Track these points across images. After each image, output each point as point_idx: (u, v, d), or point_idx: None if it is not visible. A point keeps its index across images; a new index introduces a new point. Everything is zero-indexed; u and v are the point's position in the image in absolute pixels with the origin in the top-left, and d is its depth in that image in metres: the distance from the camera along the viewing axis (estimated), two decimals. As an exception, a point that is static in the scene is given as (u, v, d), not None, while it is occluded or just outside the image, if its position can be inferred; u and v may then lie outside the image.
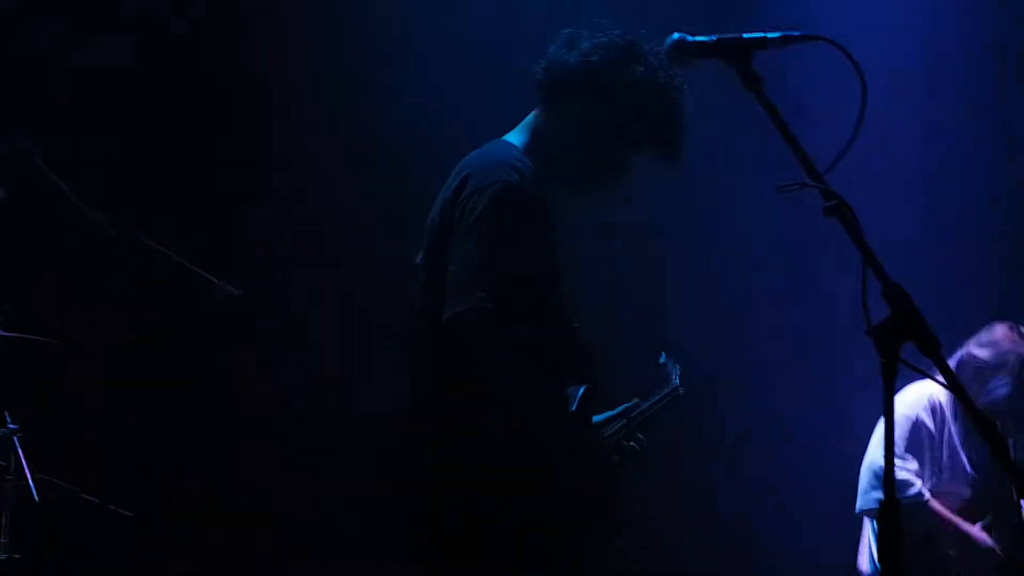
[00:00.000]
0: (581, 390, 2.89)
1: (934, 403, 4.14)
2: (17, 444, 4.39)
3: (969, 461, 4.15)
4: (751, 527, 5.45)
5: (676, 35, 2.46)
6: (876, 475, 4.03)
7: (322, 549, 5.10)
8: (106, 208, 4.53)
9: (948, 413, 4.16)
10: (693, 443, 5.39)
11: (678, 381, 3.51)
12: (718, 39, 2.40)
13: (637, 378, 3.51)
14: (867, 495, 4.06)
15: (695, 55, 2.44)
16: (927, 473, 4.07)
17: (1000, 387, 4.10)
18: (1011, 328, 4.21)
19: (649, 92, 2.92)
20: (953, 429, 4.15)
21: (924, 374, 2.27)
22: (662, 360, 3.58)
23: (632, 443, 3.07)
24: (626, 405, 3.17)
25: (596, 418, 3.07)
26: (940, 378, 2.20)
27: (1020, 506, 4.01)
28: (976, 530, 4.09)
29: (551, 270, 2.88)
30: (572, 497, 2.76)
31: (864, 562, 4.21)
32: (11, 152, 4.64)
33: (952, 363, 4.14)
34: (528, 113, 3.06)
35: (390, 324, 3.22)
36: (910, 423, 4.08)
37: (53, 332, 4.66)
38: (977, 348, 4.16)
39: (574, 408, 2.86)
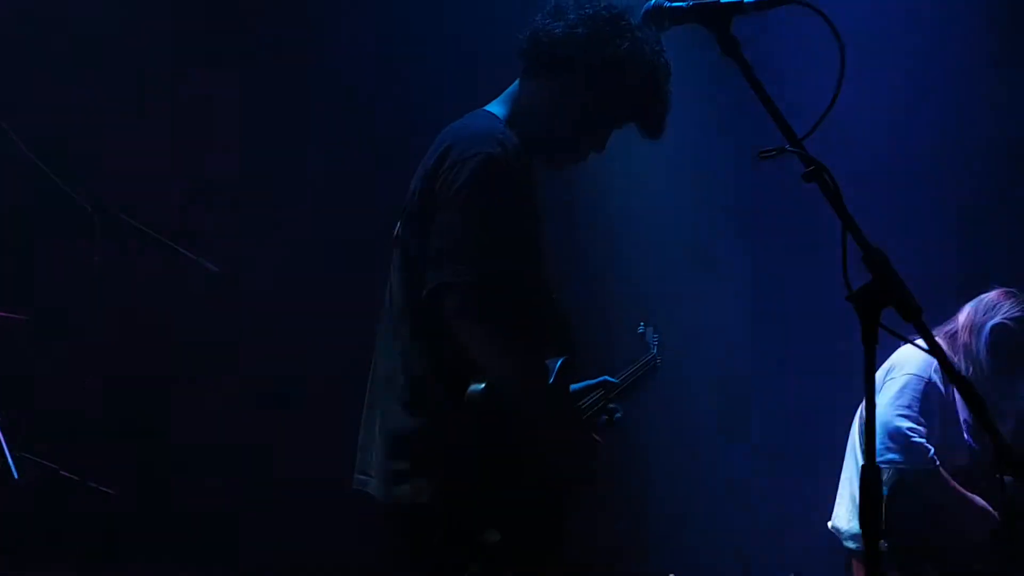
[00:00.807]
0: (559, 362, 2.88)
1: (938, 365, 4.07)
2: (-6, 422, 4.38)
3: (967, 430, 4.11)
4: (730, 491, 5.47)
5: (652, 1, 2.44)
6: (891, 435, 3.96)
7: (308, 513, 5.11)
8: (86, 188, 4.52)
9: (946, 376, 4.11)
10: (690, 408, 5.40)
11: (655, 350, 3.52)
12: (695, 3, 2.37)
13: (617, 351, 3.53)
14: (881, 456, 3.94)
15: (672, 20, 2.42)
16: (936, 436, 4.02)
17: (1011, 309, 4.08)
18: (1004, 291, 4.18)
19: (634, 67, 2.88)
20: (957, 394, 4.10)
21: (906, 340, 2.26)
22: (640, 330, 3.59)
23: (608, 412, 3.11)
24: (603, 378, 3.18)
25: (573, 387, 3.07)
26: (921, 342, 2.19)
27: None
28: (979, 500, 4.07)
29: (532, 242, 2.85)
30: (552, 464, 2.77)
31: (842, 520, 4.20)
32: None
33: (948, 332, 4.13)
34: (510, 82, 3.02)
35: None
36: (923, 384, 4.00)
37: (28, 309, 4.65)
38: (1009, 320, 4.11)
39: (552, 380, 2.85)
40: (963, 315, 4.15)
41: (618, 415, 3.13)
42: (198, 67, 5.24)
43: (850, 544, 4.17)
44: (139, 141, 5.12)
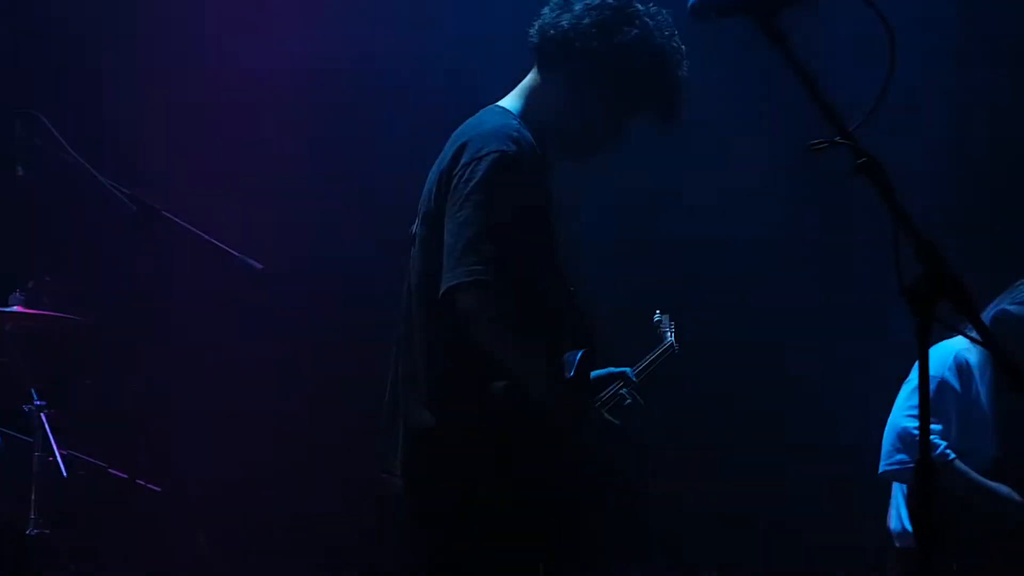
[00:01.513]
0: (579, 355, 2.88)
1: (960, 361, 4.09)
2: (44, 420, 4.42)
3: (997, 419, 4.11)
4: (783, 491, 5.43)
5: (699, -8, 2.41)
6: (899, 436, 3.99)
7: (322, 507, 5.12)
8: (127, 184, 4.54)
9: (976, 371, 4.12)
10: (721, 407, 5.38)
11: (672, 338, 3.51)
12: (742, -5, 2.35)
13: (637, 343, 3.51)
14: (890, 457, 4.02)
15: (718, 12, 2.39)
16: (953, 432, 4.03)
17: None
18: None
19: (644, 54, 2.85)
20: (981, 387, 4.11)
21: (959, 332, 2.23)
22: (656, 319, 3.56)
23: (628, 400, 3.10)
24: (622, 368, 3.17)
25: (592, 375, 3.06)
26: (975, 335, 2.16)
27: None
28: (1005, 488, 4.05)
29: (548, 237, 2.84)
30: (572, 459, 2.75)
31: (893, 521, 4.19)
32: (31, 130, 4.65)
33: (986, 320, 4.10)
34: (524, 76, 3.00)
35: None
36: (935, 383, 4.03)
37: (76, 309, 4.68)
38: (1011, 305, 4.11)
39: (572, 373, 2.85)
40: (1009, 307, 4.14)
41: (627, 402, 3.10)
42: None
43: (897, 544, 4.15)
44: (176, 138, 5.16)
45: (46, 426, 4.42)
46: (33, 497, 4.39)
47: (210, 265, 4.61)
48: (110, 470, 4.58)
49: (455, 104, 3.08)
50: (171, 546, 4.77)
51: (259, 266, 4.47)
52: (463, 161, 2.73)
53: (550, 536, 2.75)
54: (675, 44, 2.89)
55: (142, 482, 4.60)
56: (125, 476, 4.58)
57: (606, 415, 2.93)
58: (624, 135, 2.97)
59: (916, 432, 3.93)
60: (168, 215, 4.54)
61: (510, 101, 2.94)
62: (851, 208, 4.83)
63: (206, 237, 4.41)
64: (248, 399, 5.21)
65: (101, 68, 5.17)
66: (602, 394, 3.08)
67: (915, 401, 3.99)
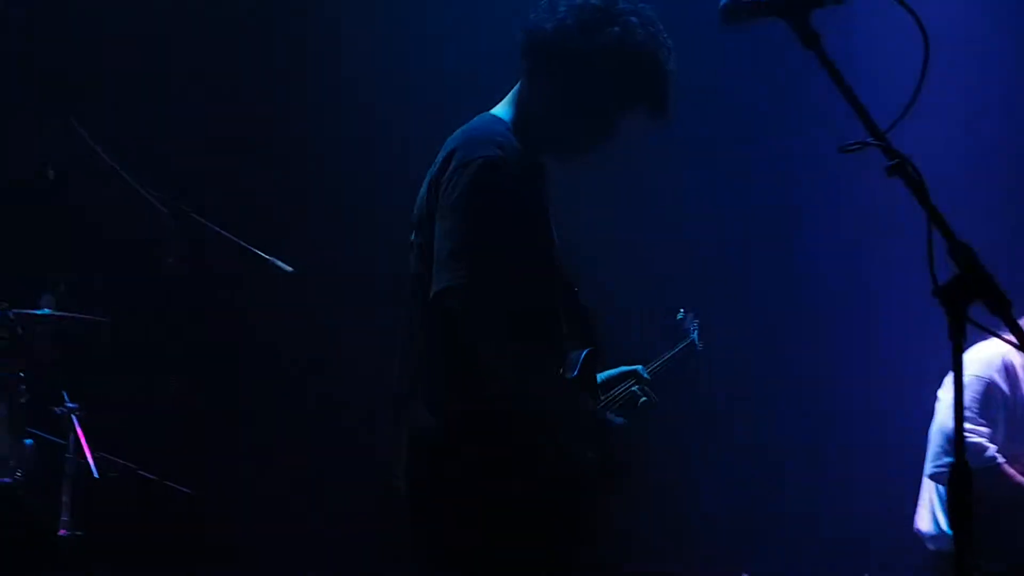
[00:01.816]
0: (583, 354, 2.90)
1: (1007, 363, 4.05)
2: (76, 422, 4.45)
3: None
4: (813, 491, 5.41)
5: (730, -6, 2.41)
6: (948, 439, 3.95)
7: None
8: (157, 187, 4.57)
9: (1021, 373, 4.06)
10: (754, 407, 5.36)
11: (696, 336, 3.51)
12: (775, -4, 2.35)
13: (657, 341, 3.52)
14: (938, 459, 3.98)
15: (750, 14, 2.39)
16: (1000, 436, 3.98)
17: None
18: None
19: (627, 52, 2.84)
20: None
21: (993, 334, 2.22)
22: (679, 316, 3.56)
23: (643, 398, 3.09)
24: (633, 367, 3.16)
25: (602, 376, 3.08)
26: (1010, 337, 2.15)
27: None
28: None
29: (542, 239, 2.86)
30: (572, 461, 2.76)
31: (924, 523, 4.16)
32: (62, 133, 4.69)
33: None
34: (516, 82, 3.01)
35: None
36: (983, 385, 3.98)
37: (106, 311, 4.71)
38: None
39: (576, 372, 2.87)
40: None
41: (643, 400, 3.10)
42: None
43: (930, 546, 4.12)
44: (207, 141, 5.19)
45: (77, 428, 4.45)
46: (64, 498, 4.42)
47: (240, 267, 4.64)
48: (140, 472, 4.60)
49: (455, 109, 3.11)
50: (200, 547, 4.79)
51: (288, 268, 4.49)
52: (451, 168, 2.78)
53: (552, 537, 2.75)
54: (661, 40, 2.89)
55: (172, 484, 4.61)
56: (155, 478, 4.60)
57: (609, 415, 2.91)
58: (615, 134, 2.96)
59: (967, 434, 3.90)
60: (198, 217, 4.57)
61: (502, 108, 2.97)
62: (884, 205, 4.79)
63: (236, 240, 4.43)
64: (278, 400, 5.22)
65: (132, 70, 5.20)
66: (612, 392, 3.08)
67: (966, 402, 3.94)
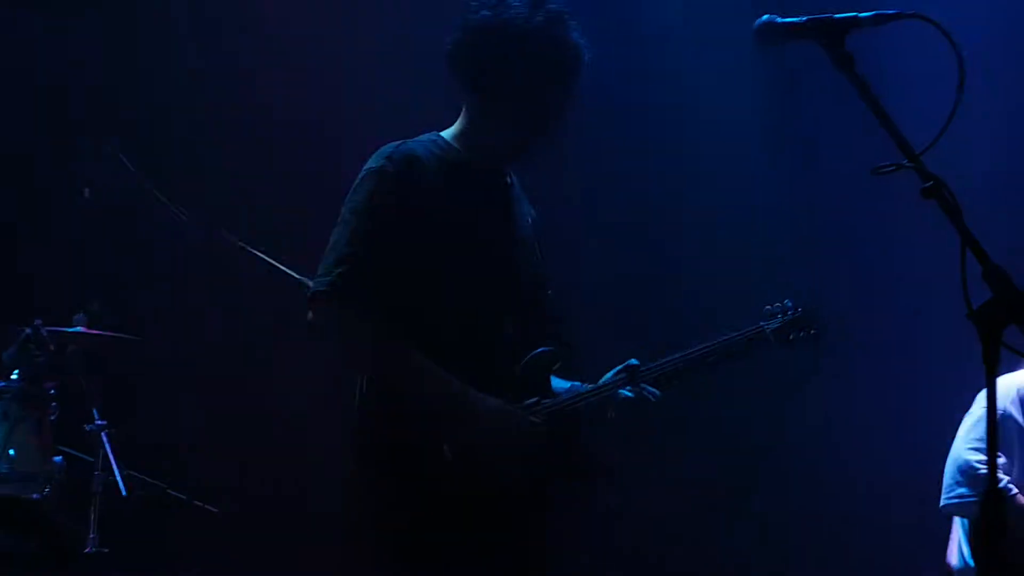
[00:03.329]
0: (535, 352, 2.89)
1: (1023, 395, 4.02)
2: (105, 440, 4.47)
3: None
4: (835, 524, 5.36)
5: (766, 16, 2.41)
6: (960, 470, 3.91)
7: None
8: (191, 207, 4.61)
9: None
10: (764, 438, 5.31)
11: (773, 326, 3.08)
12: (809, 19, 2.34)
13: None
14: (951, 491, 3.94)
15: (785, 37, 2.39)
16: (1016, 467, 3.95)
17: None
18: None
19: (518, 41, 2.86)
20: None
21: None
22: (775, 305, 3.10)
23: (628, 394, 2.92)
24: (628, 363, 2.98)
25: (605, 378, 2.96)
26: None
27: None
28: None
29: (445, 242, 2.83)
30: (467, 462, 2.73)
31: (954, 557, 4.11)
32: (98, 153, 4.74)
33: None
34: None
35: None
36: (999, 415, 3.95)
37: (139, 330, 4.74)
38: None
39: (520, 369, 2.86)
40: None
41: (611, 415, 2.93)
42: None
43: None
44: (238, 153, 5.22)
45: (107, 446, 4.47)
46: (93, 516, 4.43)
47: (271, 285, 4.66)
48: (169, 490, 4.61)
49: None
50: (227, 567, 4.79)
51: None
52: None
53: (467, 548, 2.74)
54: (547, 16, 2.89)
55: (200, 503, 4.62)
56: (184, 497, 4.61)
57: (526, 415, 2.81)
58: (560, 118, 2.95)
59: (978, 465, 3.87)
60: (232, 238, 4.60)
61: (454, 126, 3.02)
62: (909, 227, 4.76)
63: (267, 258, 4.45)
64: (311, 421, 5.22)
65: (166, 94, 5.24)
66: (584, 391, 2.94)
67: (978, 434, 3.92)
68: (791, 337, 3.07)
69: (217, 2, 5.34)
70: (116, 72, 5.26)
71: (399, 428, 2.76)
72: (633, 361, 2.97)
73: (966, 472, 3.90)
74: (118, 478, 4.42)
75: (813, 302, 3.14)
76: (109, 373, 4.79)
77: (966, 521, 4.02)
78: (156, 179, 4.71)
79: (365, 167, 2.87)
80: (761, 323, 3.08)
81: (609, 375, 2.98)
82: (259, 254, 4.44)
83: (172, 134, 5.24)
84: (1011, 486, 3.89)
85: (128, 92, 5.25)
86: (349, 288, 2.73)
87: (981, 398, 3.98)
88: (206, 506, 4.62)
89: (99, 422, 4.53)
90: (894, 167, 2.21)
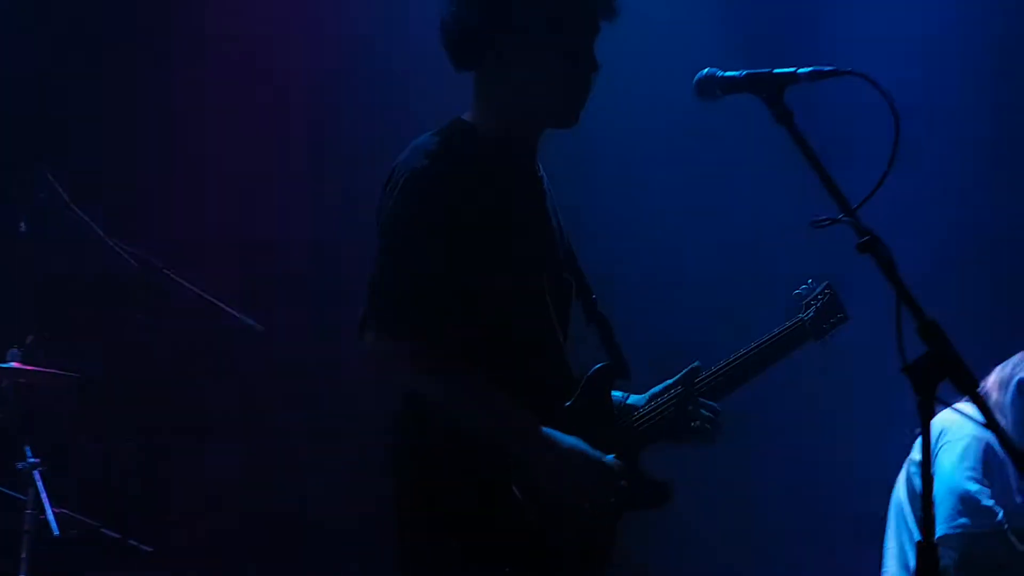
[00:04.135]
0: (591, 371, 2.73)
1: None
2: (37, 478, 4.39)
3: (1018, 492, 4.06)
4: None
5: (706, 70, 2.45)
6: (962, 499, 3.91)
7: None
8: (130, 242, 4.56)
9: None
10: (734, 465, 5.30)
11: (810, 315, 2.99)
12: (748, 74, 2.38)
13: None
14: (953, 520, 3.90)
15: (725, 90, 2.43)
16: (997, 488, 3.98)
17: None
18: None
19: None
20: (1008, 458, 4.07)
21: (956, 411, 2.23)
22: (799, 290, 3.07)
23: (690, 414, 2.79)
24: (686, 370, 2.86)
25: (657, 388, 2.85)
26: (976, 416, 2.16)
27: None
28: None
29: (501, 243, 2.62)
30: (541, 505, 2.52)
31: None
32: (36, 184, 4.68)
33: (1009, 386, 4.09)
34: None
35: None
36: (983, 444, 3.94)
37: (74, 366, 4.67)
38: (996, 373, 4.11)
39: (575, 398, 2.67)
40: (992, 375, 4.13)
41: (703, 415, 2.79)
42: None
43: None
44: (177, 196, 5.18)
45: (39, 484, 4.39)
46: (23, 555, 4.35)
47: (210, 324, 4.62)
48: (102, 529, 4.54)
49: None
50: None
51: (260, 327, 4.48)
52: (385, 193, 2.64)
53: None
54: None
55: (134, 542, 4.55)
56: (118, 536, 4.54)
57: (591, 451, 2.59)
58: (590, 59, 2.72)
59: (979, 496, 3.90)
60: (170, 273, 4.56)
61: (467, 113, 2.78)
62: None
63: (207, 297, 4.42)
64: (244, 459, 5.17)
65: (105, 126, 5.19)
66: (645, 411, 2.81)
67: (970, 462, 3.94)
68: (825, 327, 3.03)
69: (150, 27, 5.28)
70: (52, 100, 5.19)
71: (467, 466, 2.53)
72: (696, 364, 2.86)
73: (967, 501, 3.91)
74: (50, 517, 4.34)
75: (831, 283, 3.09)
76: (44, 410, 4.71)
77: (904, 538, 4.06)
78: (92, 211, 4.68)
79: (405, 168, 2.60)
80: (799, 315, 3.03)
81: (658, 388, 2.86)
82: (201, 292, 4.42)
83: (110, 167, 5.18)
84: (1004, 521, 3.90)
85: (65, 121, 5.19)
86: (411, 312, 2.50)
87: (959, 427, 3.99)
88: (140, 545, 4.55)
89: (31, 459, 4.45)
90: (829, 221, 2.25)
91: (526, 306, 2.67)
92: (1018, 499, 4.03)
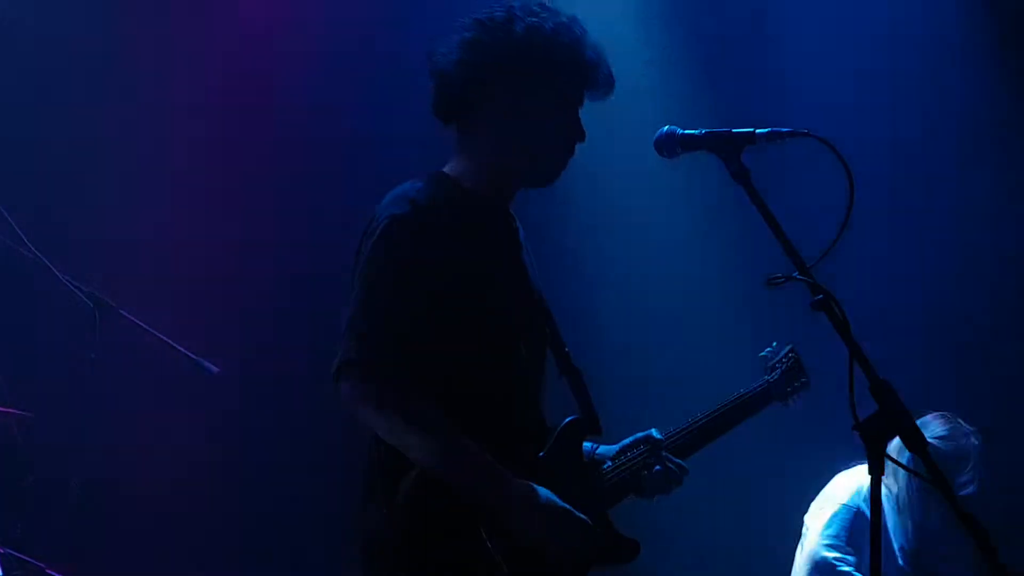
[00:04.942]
0: (562, 424, 2.76)
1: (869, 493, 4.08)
2: (-17, 519, 4.34)
3: (901, 554, 4.10)
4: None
5: (666, 128, 2.50)
6: (816, 566, 3.98)
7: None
8: (87, 280, 4.53)
9: (886, 505, 4.09)
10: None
11: (775, 376, 3.15)
12: (707, 133, 2.44)
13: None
14: None
15: (684, 147, 2.48)
16: (865, 564, 4.03)
17: (967, 484, 4.05)
18: (952, 418, 4.17)
19: (541, 46, 2.69)
20: (889, 522, 4.10)
21: (911, 472, 2.27)
22: (766, 352, 3.23)
23: (653, 470, 2.86)
24: (648, 431, 2.94)
25: (623, 443, 2.91)
26: (922, 472, 2.21)
27: None
28: None
29: (476, 294, 2.65)
30: (516, 554, 2.53)
31: None
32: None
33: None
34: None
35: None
36: (852, 513, 4.01)
37: (24, 404, 4.63)
38: (934, 439, 4.11)
39: (546, 449, 2.70)
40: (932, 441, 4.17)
41: (656, 468, 2.86)
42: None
43: None
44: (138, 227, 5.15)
45: (-15, 524, 4.34)
46: (-32, 597, 4.28)
47: (164, 364, 4.59)
48: (48, 571, 4.48)
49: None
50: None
51: (215, 369, 4.46)
52: (364, 237, 2.67)
53: None
54: (565, 19, 2.75)
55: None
56: (62, 577, 4.49)
57: (557, 501, 2.60)
58: (576, 130, 2.77)
59: (836, 563, 3.95)
60: (124, 313, 4.53)
61: (449, 165, 2.80)
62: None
63: (162, 337, 4.39)
64: (193, 500, 5.13)
65: (60, 158, 5.16)
66: (617, 463, 2.87)
67: (833, 530, 3.99)
68: (788, 389, 3.17)
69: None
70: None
71: (436, 510, 2.54)
72: (654, 433, 2.92)
73: (822, 568, 3.97)
74: (-4, 558, 4.28)
75: (794, 347, 3.22)
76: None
77: None
78: (43, 247, 4.64)
79: (385, 213, 2.62)
80: (766, 377, 3.15)
81: (627, 441, 2.91)
82: (155, 332, 4.39)
83: (64, 203, 5.14)
84: None
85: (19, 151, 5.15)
86: (387, 357, 2.51)
87: (832, 496, 4.06)
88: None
89: (-23, 499, 4.40)
90: (784, 279, 2.30)
91: (499, 357, 2.69)
92: (901, 561, 4.10)
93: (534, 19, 2.71)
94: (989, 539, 2.16)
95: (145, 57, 5.26)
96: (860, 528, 3.99)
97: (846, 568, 3.93)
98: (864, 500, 4.01)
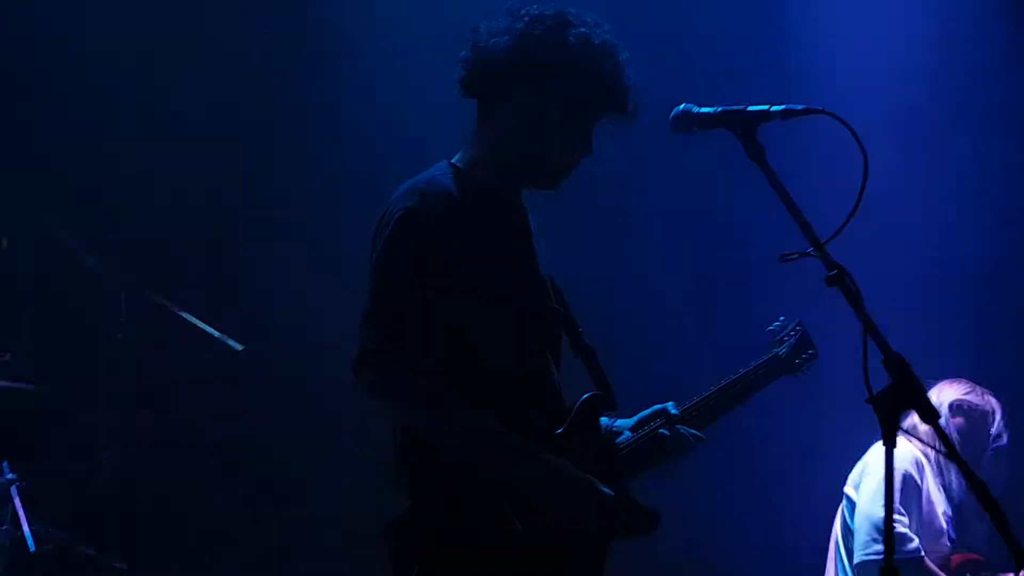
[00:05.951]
0: (579, 401, 2.80)
1: (918, 460, 4.19)
2: (15, 494, 4.41)
3: (945, 519, 4.22)
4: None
5: (682, 106, 2.52)
6: (876, 527, 4.07)
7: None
8: (109, 260, 4.59)
9: (929, 470, 4.22)
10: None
11: (784, 350, 3.21)
12: (723, 111, 2.45)
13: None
14: (867, 547, 4.10)
15: (700, 126, 2.50)
16: (914, 527, 4.13)
17: (1000, 436, 4.18)
18: (966, 381, 4.29)
19: (587, 59, 2.74)
20: (932, 485, 4.22)
21: (925, 443, 2.30)
22: (774, 325, 3.27)
23: (670, 440, 2.91)
24: (664, 404, 2.98)
25: (637, 417, 2.95)
26: (940, 445, 2.24)
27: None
28: None
29: (486, 280, 2.70)
30: (540, 528, 2.59)
31: None
32: (15, 202, 4.71)
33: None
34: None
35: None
36: (901, 477, 4.12)
37: (52, 381, 4.69)
38: (962, 397, 4.22)
39: (565, 426, 2.74)
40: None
41: (670, 442, 2.90)
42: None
43: None
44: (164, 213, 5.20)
45: (15, 500, 4.41)
46: (0, 570, 4.36)
47: (190, 342, 4.65)
48: (77, 546, 4.55)
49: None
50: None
51: (239, 346, 4.51)
52: (377, 231, 2.72)
53: None
54: (612, 40, 2.79)
55: (108, 560, 4.57)
56: (92, 552, 4.56)
57: (578, 475, 2.66)
58: (588, 148, 2.83)
59: (895, 524, 4.00)
60: (150, 293, 4.59)
61: (462, 151, 2.85)
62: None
63: (187, 316, 4.45)
64: (219, 474, 5.19)
65: (76, 140, 5.20)
66: (635, 436, 2.91)
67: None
68: (797, 361, 3.22)
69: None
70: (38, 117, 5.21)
71: (462, 493, 2.61)
72: (670, 407, 2.96)
73: (882, 529, 4.01)
74: (27, 533, 4.35)
75: (802, 320, 3.27)
76: (21, 425, 4.73)
77: (840, 571, 4.21)
78: (74, 231, 4.70)
79: (398, 205, 2.68)
80: (775, 350, 3.21)
81: (645, 413, 2.96)
82: (180, 312, 4.44)
83: (90, 182, 5.19)
84: (921, 549, 4.04)
85: (47, 136, 5.20)
86: (407, 345, 2.58)
87: (879, 460, 4.12)
88: (114, 564, 4.56)
89: (8, 475, 4.47)
90: (799, 255, 2.32)
91: (515, 339, 2.74)
92: (946, 525, 4.18)
93: (585, 30, 2.77)
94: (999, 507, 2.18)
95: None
96: (909, 492, 4.12)
97: (903, 529, 4.04)
98: (912, 464, 4.13)
